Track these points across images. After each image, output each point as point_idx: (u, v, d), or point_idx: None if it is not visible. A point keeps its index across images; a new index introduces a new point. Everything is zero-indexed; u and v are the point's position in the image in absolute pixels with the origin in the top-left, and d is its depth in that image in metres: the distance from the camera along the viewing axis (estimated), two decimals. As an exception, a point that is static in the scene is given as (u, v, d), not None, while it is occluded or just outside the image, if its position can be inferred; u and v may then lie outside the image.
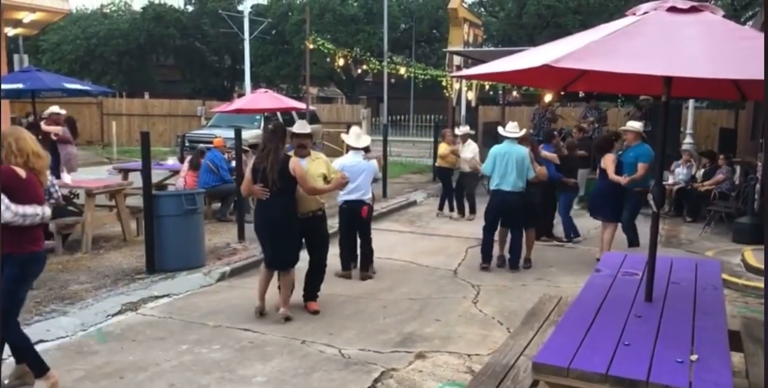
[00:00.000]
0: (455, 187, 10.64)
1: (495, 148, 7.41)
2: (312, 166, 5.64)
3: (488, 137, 13.64)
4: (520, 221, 7.36)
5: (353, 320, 5.57)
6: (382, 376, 4.41)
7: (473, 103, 17.27)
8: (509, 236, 7.45)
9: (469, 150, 10.19)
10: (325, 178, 5.69)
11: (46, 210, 3.93)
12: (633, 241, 7.77)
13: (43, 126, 10.04)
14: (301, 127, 5.73)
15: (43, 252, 4.03)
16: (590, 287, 4.02)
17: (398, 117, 22.74)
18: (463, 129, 10.60)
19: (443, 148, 10.65)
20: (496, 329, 5.40)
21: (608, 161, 7.47)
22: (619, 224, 7.71)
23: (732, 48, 3.09)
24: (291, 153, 5.55)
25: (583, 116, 13.88)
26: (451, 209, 10.73)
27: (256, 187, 5.31)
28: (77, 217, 7.76)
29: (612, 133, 8.62)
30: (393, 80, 30.29)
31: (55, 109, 10.80)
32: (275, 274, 5.62)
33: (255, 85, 25.63)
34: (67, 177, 8.42)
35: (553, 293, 5.45)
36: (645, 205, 7.50)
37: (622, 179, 7.25)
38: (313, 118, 17.92)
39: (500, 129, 7.67)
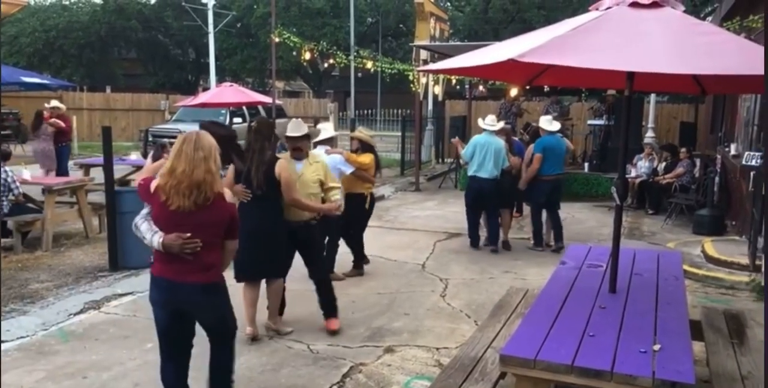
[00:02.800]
0: None
1: (476, 138, 8.07)
2: (308, 171, 5.06)
3: (455, 131, 13.71)
4: (494, 206, 8.02)
5: (322, 315, 5.54)
6: (351, 371, 4.40)
7: (440, 98, 17.34)
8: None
9: None
10: (322, 186, 5.13)
11: (155, 238, 3.26)
12: (536, 234, 8.10)
13: (53, 120, 11.21)
14: (295, 128, 5.08)
15: (159, 279, 3.35)
16: (556, 280, 4.07)
17: (365, 111, 22.68)
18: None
19: None
20: (464, 322, 5.44)
21: (527, 152, 8.21)
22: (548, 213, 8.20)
23: (692, 43, 3.15)
24: (282, 154, 5.10)
25: (545, 112, 14.02)
26: None
27: (238, 187, 4.71)
28: (37, 214, 7.58)
29: (535, 130, 8.93)
30: (360, 74, 30.21)
31: (56, 103, 11.43)
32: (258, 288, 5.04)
33: (220, 79, 25.30)
34: (26, 173, 8.22)
35: (519, 285, 5.52)
36: (553, 194, 7.87)
37: (522, 181, 8.06)
38: (279, 113, 17.76)
39: (480, 121, 8.20)
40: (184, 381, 3.56)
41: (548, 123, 8.03)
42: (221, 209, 3.27)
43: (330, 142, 6.36)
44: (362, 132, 6.73)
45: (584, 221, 9.37)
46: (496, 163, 7.77)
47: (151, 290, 3.40)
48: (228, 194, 3.25)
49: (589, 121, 14.01)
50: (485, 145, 7.79)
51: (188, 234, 3.20)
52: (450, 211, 10.40)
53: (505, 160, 7.89)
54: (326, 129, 6.47)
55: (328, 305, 5.21)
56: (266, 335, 5.04)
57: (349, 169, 6.28)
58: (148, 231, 3.31)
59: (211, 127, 3.74)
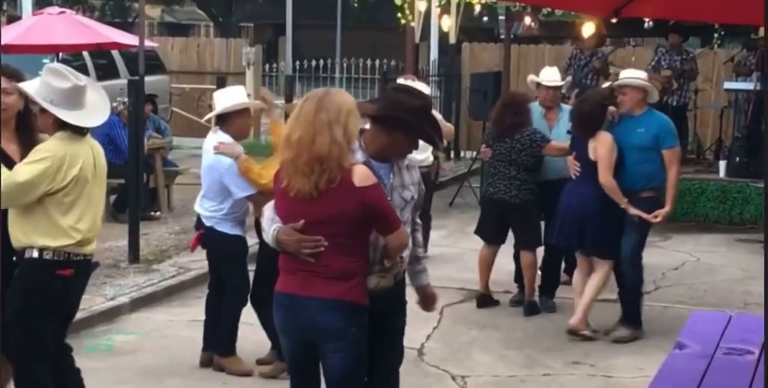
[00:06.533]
0: None
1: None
2: None
3: (480, 98, 13.63)
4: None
5: None
6: None
7: (452, 38, 17.43)
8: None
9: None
10: None
11: (271, 231, 4.02)
12: (630, 294, 7.74)
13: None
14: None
15: (280, 295, 4.13)
16: (668, 378, 4.10)
17: (314, 62, 22.79)
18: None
19: None
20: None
21: (604, 149, 7.40)
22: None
23: None
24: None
25: (655, 64, 13.98)
26: None
27: None
28: None
29: (604, 95, 7.90)
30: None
31: None
32: None
33: (42, 2, 25.24)
34: None
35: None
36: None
37: (625, 204, 7.30)
38: (152, 65, 17.73)
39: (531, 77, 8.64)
40: None
41: None
42: (351, 194, 3.82)
43: (241, 118, 6.44)
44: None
45: (717, 267, 9.44)
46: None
47: (275, 313, 4.17)
48: (364, 171, 3.85)
49: (727, 85, 14.15)
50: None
51: (301, 222, 3.87)
52: (469, 248, 10.36)
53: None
54: (231, 96, 6.48)
55: None
56: None
57: (242, 192, 6.16)
58: (268, 220, 4.11)
59: (401, 95, 4.11)
